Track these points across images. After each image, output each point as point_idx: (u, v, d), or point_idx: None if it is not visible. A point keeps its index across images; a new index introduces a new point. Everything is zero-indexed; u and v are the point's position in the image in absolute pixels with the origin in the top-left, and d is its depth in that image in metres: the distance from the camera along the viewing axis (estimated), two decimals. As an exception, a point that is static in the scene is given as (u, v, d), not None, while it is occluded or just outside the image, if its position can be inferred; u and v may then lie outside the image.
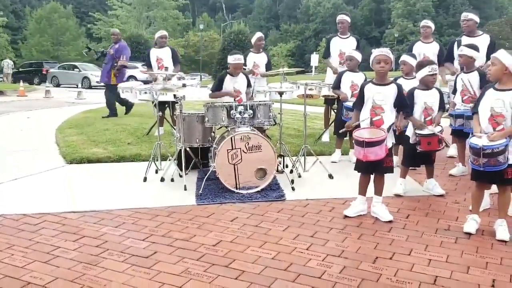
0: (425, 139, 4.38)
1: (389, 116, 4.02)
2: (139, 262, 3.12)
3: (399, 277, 2.93)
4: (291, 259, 3.18)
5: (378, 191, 4.05)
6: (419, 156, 4.57)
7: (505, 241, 3.48)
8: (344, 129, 4.30)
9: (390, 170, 4.08)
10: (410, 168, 4.92)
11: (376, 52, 4.03)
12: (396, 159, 5.77)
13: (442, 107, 4.63)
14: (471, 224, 3.68)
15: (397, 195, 4.59)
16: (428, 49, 6.42)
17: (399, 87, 4.10)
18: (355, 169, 4.12)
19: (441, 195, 4.60)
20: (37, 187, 4.92)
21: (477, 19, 5.91)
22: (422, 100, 4.50)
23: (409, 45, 7.06)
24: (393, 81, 4.16)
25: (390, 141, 3.98)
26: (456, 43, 6.01)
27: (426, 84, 4.52)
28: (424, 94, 4.52)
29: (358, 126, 4.07)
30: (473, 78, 5.07)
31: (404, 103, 4.14)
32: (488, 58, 5.51)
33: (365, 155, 3.80)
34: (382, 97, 4.01)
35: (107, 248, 3.35)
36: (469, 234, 3.63)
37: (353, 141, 3.97)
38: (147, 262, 3.12)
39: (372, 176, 4.10)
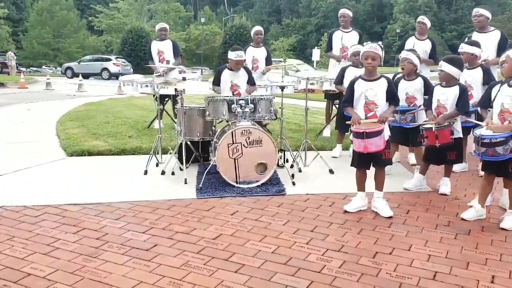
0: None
1: (383, 110, 4.01)
2: (139, 254, 3.13)
3: (398, 272, 2.93)
4: (291, 253, 3.18)
5: (379, 186, 4.06)
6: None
7: (507, 230, 3.62)
8: (349, 122, 4.11)
9: (389, 162, 4.10)
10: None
11: (364, 48, 4.02)
12: (397, 155, 5.77)
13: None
14: (470, 211, 3.83)
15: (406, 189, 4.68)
16: (420, 46, 6.41)
17: (389, 80, 4.09)
18: (351, 165, 4.13)
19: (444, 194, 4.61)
20: (37, 179, 4.92)
21: (488, 14, 5.88)
22: (436, 97, 4.49)
23: (402, 41, 7.06)
24: (382, 75, 4.13)
25: (387, 133, 3.97)
26: (466, 39, 6.00)
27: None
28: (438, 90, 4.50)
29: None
30: (477, 74, 5.06)
31: (394, 96, 4.12)
32: (498, 53, 5.49)
33: (365, 147, 3.81)
34: (374, 92, 4.00)
35: (107, 240, 3.35)
36: (465, 220, 3.78)
37: (351, 135, 3.96)
38: (147, 254, 3.13)
39: (368, 172, 4.11)
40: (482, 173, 4.32)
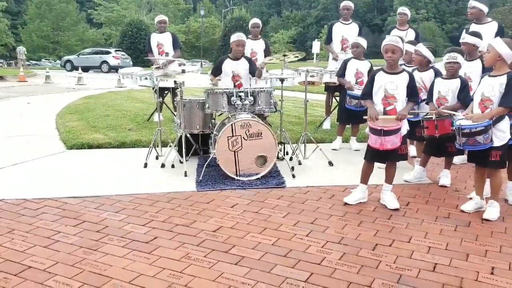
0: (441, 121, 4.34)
1: (402, 105, 3.96)
2: (140, 247, 3.13)
3: (398, 264, 2.94)
4: (291, 246, 3.18)
5: (389, 179, 4.04)
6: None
7: (489, 220, 3.65)
8: (366, 117, 4.02)
9: (405, 157, 4.09)
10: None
11: (384, 41, 3.98)
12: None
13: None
14: (469, 203, 3.89)
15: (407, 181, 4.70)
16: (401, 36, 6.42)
17: (411, 75, 4.03)
18: (365, 158, 4.09)
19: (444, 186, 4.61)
20: (37, 172, 4.92)
21: (481, 7, 5.86)
22: (437, 89, 4.47)
23: (386, 33, 7.08)
24: (404, 69, 4.09)
25: (404, 128, 3.95)
26: (464, 31, 5.98)
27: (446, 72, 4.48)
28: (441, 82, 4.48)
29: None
30: (476, 66, 5.03)
31: (414, 92, 4.05)
32: None
33: (382, 144, 3.79)
34: (394, 86, 3.95)
35: (107, 233, 3.35)
36: (464, 212, 3.83)
37: (368, 130, 3.93)
38: (147, 247, 3.13)
39: (375, 165, 4.13)
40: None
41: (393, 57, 3.92)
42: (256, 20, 7.46)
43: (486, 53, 3.70)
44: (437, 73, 4.88)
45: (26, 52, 31.26)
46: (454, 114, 4.07)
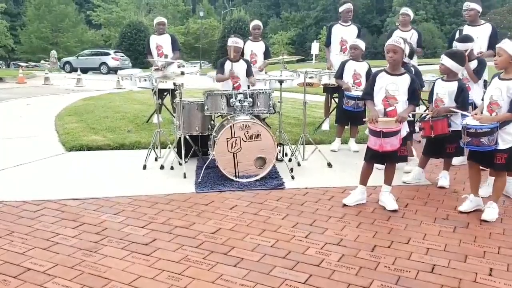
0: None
1: (403, 106, 3.96)
2: (139, 249, 3.13)
3: (397, 265, 2.94)
4: (290, 247, 3.19)
5: (388, 180, 4.05)
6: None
7: (487, 221, 3.66)
8: (366, 119, 4.06)
9: (404, 159, 4.10)
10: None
11: (387, 41, 4.01)
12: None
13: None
14: (465, 203, 3.89)
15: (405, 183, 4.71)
16: (405, 37, 6.45)
17: (412, 78, 4.02)
18: (364, 159, 4.10)
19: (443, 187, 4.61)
20: (36, 174, 4.92)
21: (479, 8, 5.88)
22: (436, 90, 4.48)
23: (388, 33, 7.09)
24: (406, 72, 4.08)
25: (404, 130, 3.96)
26: (458, 32, 5.99)
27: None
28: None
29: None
30: (473, 67, 5.07)
31: (415, 95, 4.05)
32: (490, 46, 5.53)
33: (381, 145, 3.80)
34: (395, 87, 3.95)
35: (106, 235, 3.36)
36: (462, 212, 3.84)
37: (368, 131, 3.94)
38: (146, 249, 3.13)
39: (375, 166, 4.14)
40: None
41: (394, 57, 3.93)
42: (257, 22, 7.48)
43: (497, 56, 3.68)
44: (410, 71, 4.86)
45: (56, 56, 31.89)
46: (459, 112, 4.09)
